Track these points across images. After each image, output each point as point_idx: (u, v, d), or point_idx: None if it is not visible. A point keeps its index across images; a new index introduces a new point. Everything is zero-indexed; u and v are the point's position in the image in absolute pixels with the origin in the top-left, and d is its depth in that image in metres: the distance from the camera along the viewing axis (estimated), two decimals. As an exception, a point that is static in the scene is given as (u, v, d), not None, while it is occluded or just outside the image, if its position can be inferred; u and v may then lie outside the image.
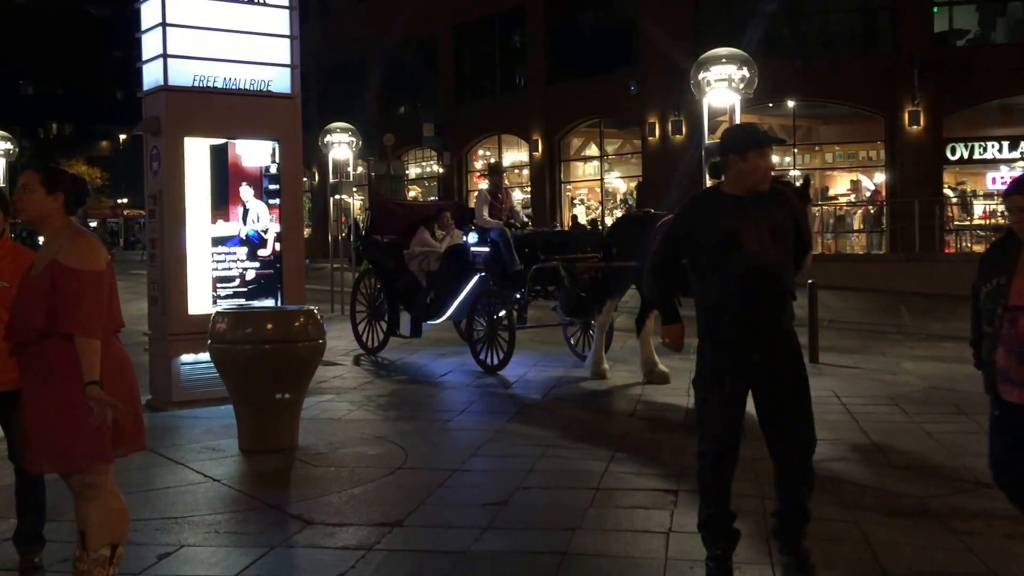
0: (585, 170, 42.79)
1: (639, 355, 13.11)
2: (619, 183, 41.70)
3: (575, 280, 13.96)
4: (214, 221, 12.10)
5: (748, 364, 5.78)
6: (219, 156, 12.13)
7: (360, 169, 39.65)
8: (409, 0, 43.41)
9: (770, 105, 32.61)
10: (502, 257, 14.24)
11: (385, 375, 14.30)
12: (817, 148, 37.26)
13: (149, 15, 12.13)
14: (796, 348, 5.99)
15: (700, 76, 18.46)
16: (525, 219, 16.03)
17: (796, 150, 35.32)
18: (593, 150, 41.99)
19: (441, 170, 46.42)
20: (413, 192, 48.01)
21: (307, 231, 39.34)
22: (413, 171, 49.21)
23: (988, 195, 32.71)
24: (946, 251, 29.47)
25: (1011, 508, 5.73)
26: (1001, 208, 23.57)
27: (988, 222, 31.51)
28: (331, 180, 26.60)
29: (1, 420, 6.26)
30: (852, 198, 35.61)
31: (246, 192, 12.30)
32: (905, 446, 9.37)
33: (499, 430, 10.30)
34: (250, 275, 12.32)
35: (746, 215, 5.77)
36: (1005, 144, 32.91)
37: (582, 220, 39.69)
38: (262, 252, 12.37)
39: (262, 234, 12.36)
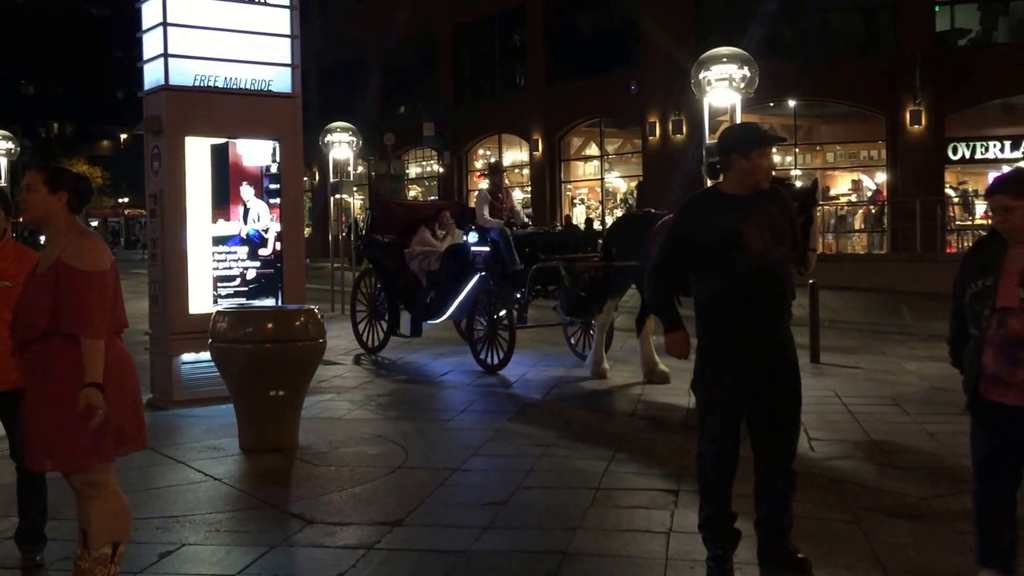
0: (585, 170, 42.78)
1: (639, 355, 13.11)
2: (619, 183, 41.69)
3: (575, 280, 13.96)
4: (215, 220, 12.10)
5: (749, 365, 5.78)
6: (220, 156, 12.13)
7: (360, 169, 39.63)
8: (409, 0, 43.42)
9: (771, 105, 32.62)
10: (502, 257, 14.24)
11: (385, 374, 14.30)
12: (818, 148, 37.25)
13: (150, 15, 12.13)
14: (794, 350, 6.00)
15: (701, 75, 18.46)
16: (526, 219, 16.03)
17: (797, 150, 35.31)
18: (593, 150, 41.98)
19: (441, 170, 46.44)
20: (413, 192, 47.99)
21: (307, 230, 39.35)
22: (413, 171, 49.19)
23: (990, 195, 32.60)
24: (948, 251, 29.42)
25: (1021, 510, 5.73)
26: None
27: (990, 222, 31.38)
28: (331, 180, 26.59)
29: (3, 419, 6.27)
30: (853, 198, 35.58)
31: (247, 191, 12.30)
32: (906, 446, 9.37)
33: (499, 430, 10.31)
34: (251, 274, 12.32)
35: (746, 214, 5.76)
36: (1007, 144, 32.89)
37: (579, 220, 39.57)
38: (263, 251, 12.37)
39: (263, 233, 12.36)
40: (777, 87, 30.18)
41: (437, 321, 15.66)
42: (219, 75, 12.04)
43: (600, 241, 15.79)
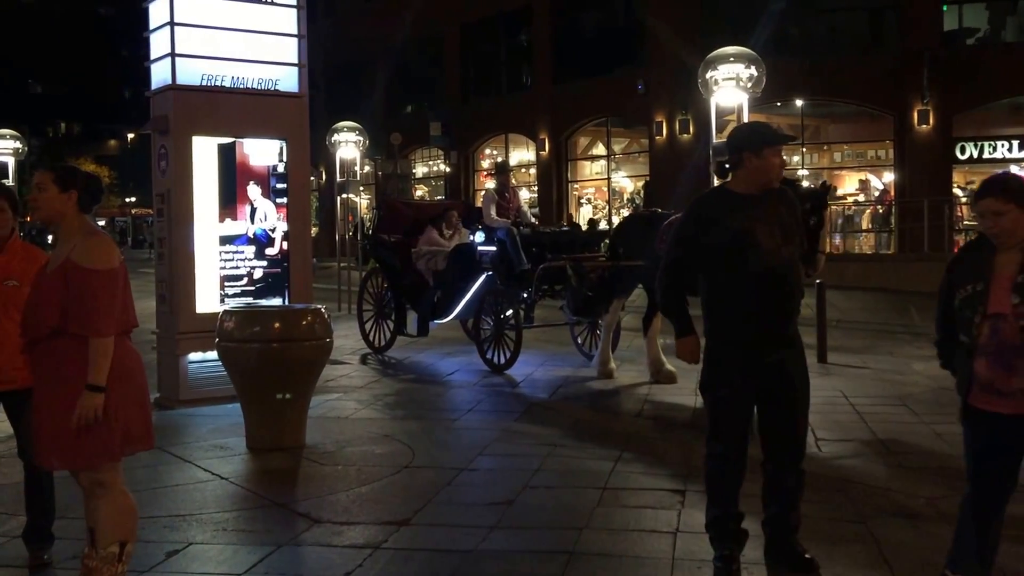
0: (592, 169, 42.73)
1: (646, 354, 13.10)
2: (626, 182, 41.64)
3: (582, 279, 13.95)
4: (222, 220, 12.11)
5: (760, 364, 5.78)
6: (227, 155, 12.14)
7: (367, 168, 39.65)
8: (416, -1, 43.46)
9: (778, 104, 32.57)
10: (509, 256, 14.24)
11: (392, 374, 14.30)
12: (825, 147, 37.17)
13: (157, 14, 12.14)
14: (803, 349, 6.00)
15: (708, 75, 18.45)
16: (532, 219, 16.04)
17: (804, 149, 35.24)
18: (600, 149, 41.94)
19: (448, 169, 46.44)
20: (420, 191, 48.01)
21: (314, 230, 39.35)
22: (420, 170, 49.22)
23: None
24: (955, 251, 29.36)
25: (1020, 510, 5.71)
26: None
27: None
28: (338, 179, 26.61)
29: (11, 418, 6.29)
30: (861, 197, 35.52)
31: (254, 191, 12.31)
32: (914, 446, 9.36)
33: (506, 429, 10.31)
34: (257, 274, 12.32)
35: (757, 213, 5.76)
36: (1015, 143, 32.79)
37: (583, 220, 39.48)
38: (269, 251, 12.37)
39: (270, 233, 12.37)
40: (784, 86, 30.15)
41: (444, 321, 15.66)
42: (226, 75, 12.05)
43: (606, 241, 15.78)
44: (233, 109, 12.03)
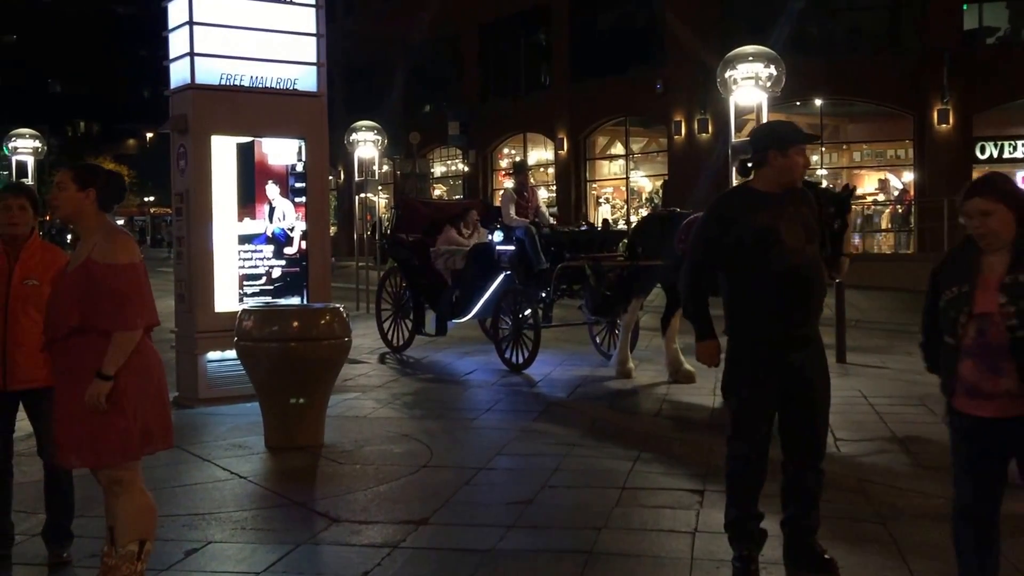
0: (611, 168, 42.74)
1: (664, 354, 13.08)
2: (645, 182, 41.62)
3: (600, 279, 13.94)
4: (240, 219, 12.13)
5: (784, 363, 5.76)
6: (245, 154, 12.16)
7: (385, 168, 39.69)
8: (434, -2, 43.49)
9: (797, 103, 32.50)
10: (528, 255, 14.22)
11: (410, 373, 14.31)
12: (845, 147, 37.11)
13: (176, 14, 12.17)
14: (823, 349, 5.99)
15: (727, 74, 18.37)
16: (551, 220, 16.02)
17: (824, 149, 35.16)
18: (619, 148, 41.94)
19: (466, 169, 46.47)
20: (438, 191, 48.05)
21: (333, 229, 39.41)
22: (438, 170, 49.25)
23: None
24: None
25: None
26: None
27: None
28: (356, 178, 26.61)
29: (30, 416, 6.31)
30: (880, 197, 35.42)
31: (272, 190, 12.32)
32: (933, 446, 9.29)
33: (524, 429, 10.30)
34: (276, 273, 12.33)
35: (781, 212, 5.74)
36: (1035, 142, 32.72)
37: (596, 220, 39.38)
38: (288, 250, 12.38)
39: (288, 232, 12.38)
40: (803, 86, 30.08)
41: (462, 320, 15.65)
42: (245, 74, 12.06)
43: (624, 240, 15.76)
44: (252, 108, 12.05)
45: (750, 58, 18.33)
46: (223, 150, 11.96)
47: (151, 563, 5.66)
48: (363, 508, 7.54)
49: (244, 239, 12.14)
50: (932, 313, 5.14)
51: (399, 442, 9.73)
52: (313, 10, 12.56)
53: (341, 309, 9.98)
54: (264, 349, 9.52)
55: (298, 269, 12.42)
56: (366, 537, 6.82)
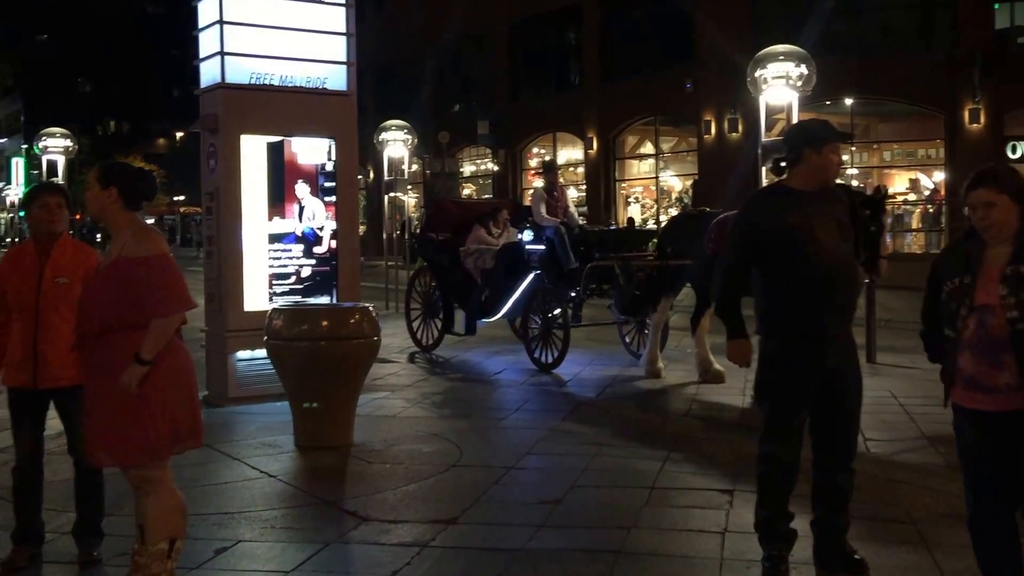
0: (640, 168, 42.65)
1: (694, 354, 13.04)
2: (674, 181, 41.50)
3: (630, 278, 13.91)
4: (270, 218, 12.15)
5: (819, 364, 5.73)
6: (275, 153, 12.18)
7: (415, 167, 39.73)
8: (464, -3, 43.49)
9: (827, 103, 32.32)
10: (558, 255, 14.21)
11: (439, 373, 14.32)
12: (875, 146, 36.91)
13: (206, 13, 12.21)
14: (856, 349, 5.97)
15: (757, 73, 18.28)
16: (580, 221, 16.00)
17: (854, 148, 34.98)
18: (648, 148, 41.83)
19: (496, 168, 46.45)
20: (467, 190, 48.05)
21: (361, 229, 39.46)
22: (467, 169, 49.25)
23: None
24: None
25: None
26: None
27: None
28: (386, 177, 26.62)
29: (61, 415, 6.33)
30: (911, 197, 35.22)
31: (302, 189, 12.34)
32: (965, 447, 9.24)
33: (553, 428, 10.29)
34: (306, 272, 12.35)
35: (816, 211, 5.72)
36: (1067, 143, 32.45)
37: (622, 220, 39.26)
38: (317, 249, 12.40)
39: (317, 231, 12.39)
40: (834, 85, 29.90)
41: (491, 319, 15.65)
42: (275, 73, 12.09)
43: (654, 240, 15.73)
44: (282, 107, 12.06)
45: (781, 57, 18.23)
46: (253, 149, 11.99)
47: (181, 561, 5.68)
48: (392, 507, 7.54)
49: (274, 238, 12.16)
50: (933, 302, 5.08)
51: (428, 441, 9.74)
52: (343, 9, 12.58)
53: (370, 308, 9.99)
54: (293, 348, 9.53)
55: (328, 268, 12.44)
56: (395, 536, 6.82)
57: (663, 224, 25.10)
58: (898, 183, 35.78)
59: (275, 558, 6.43)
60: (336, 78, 12.50)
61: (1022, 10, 33.17)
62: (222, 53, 11.82)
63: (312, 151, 12.43)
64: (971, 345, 4.80)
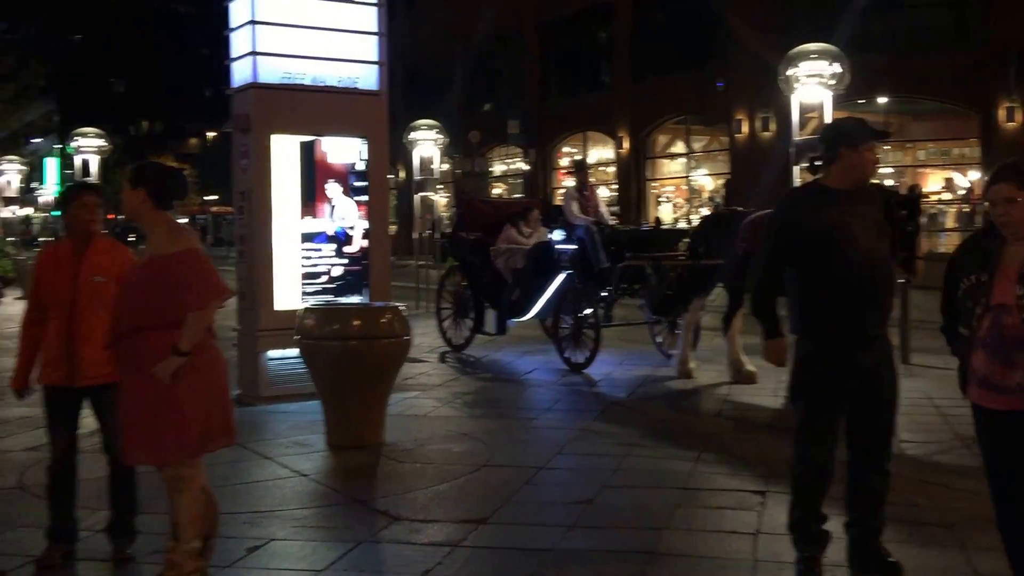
0: (671, 167, 42.55)
1: (726, 354, 12.99)
2: (706, 180, 41.36)
3: (662, 278, 13.88)
4: (302, 217, 12.17)
5: (856, 364, 5.70)
6: (306, 153, 12.20)
7: (445, 166, 39.78)
8: (495, -4, 43.49)
9: (860, 101, 32.10)
10: (589, 254, 14.18)
11: (470, 372, 14.32)
12: (909, 145, 36.65)
13: (239, 13, 12.24)
14: (892, 350, 5.92)
15: (789, 72, 18.17)
16: (611, 220, 15.98)
17: (888, 147, 34.78)
18: (680, 147, 41.73)
19: (526, 167, 46.43)
20: (498, 189, 48.06)
21: (392, 228, 39.52)
22: (498, 168, 49.26)
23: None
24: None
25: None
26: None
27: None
28: (416, 177, 26.64)
29: (96, 412, 6.36)
30: (945, 196, 35.00)
31: (333, 189, 12.35)
32: (999, 449, 9.18)
33: (584, 428, 10.27)
34: (337, 271, 12.37)
35: (852, 209, 5.68)
36: (1104, 140, 32.15)
37: (651, 220, 39.08)
38: (348, 249, 12.41)
39: (348, 231, 12.40)
40: (867, 83, 29.68)
41: (522, 319, 15.63)
42: (306, 73, 12.11)
43: (686, 239, 15.68)
44: (313, 107, 12.08)
45: (813, 55, 18.11)
46: (285, 149, 12.02)
47: (214, 560, 5.70)
48: (423, 506, 7.55)
49: (305, 237, 12.18)
50: (951, 298, 5.05)
51: (459, 441, 9.74)
52: (375, 9, 12.60)
53: (401, 308, 9.99)
54: (325, 347, 9.55)
55: (359, 268, 12.45)
56: (426, 536, 6.83)
57: (694, 224, 25.01)
58: (932, 183, 35.52)
59: (307, 557, 6.44)
60: (367, 78, 12.52)
61: (1056, 7, 32.89)
62: (254, 53, 11.85)
63: (343, 151, 12.46)
64: (985, 344, 4.77)
